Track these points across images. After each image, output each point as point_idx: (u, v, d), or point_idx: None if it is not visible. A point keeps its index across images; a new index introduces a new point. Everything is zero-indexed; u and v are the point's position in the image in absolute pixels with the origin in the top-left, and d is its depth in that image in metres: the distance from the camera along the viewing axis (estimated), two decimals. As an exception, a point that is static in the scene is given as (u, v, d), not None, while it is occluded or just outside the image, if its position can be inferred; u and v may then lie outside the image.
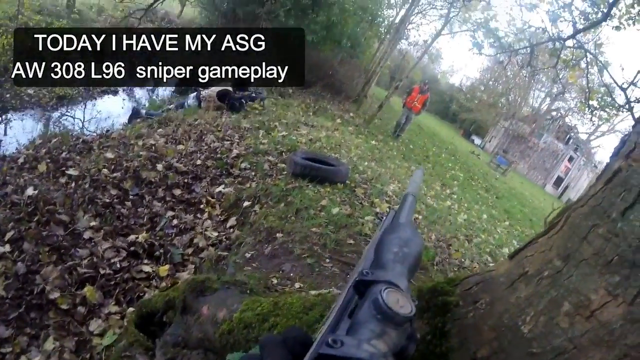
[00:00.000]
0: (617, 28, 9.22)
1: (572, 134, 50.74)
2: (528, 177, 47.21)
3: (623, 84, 7.30)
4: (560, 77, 11.45)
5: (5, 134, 9.12)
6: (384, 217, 1.15)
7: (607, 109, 10.23)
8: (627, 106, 7.75)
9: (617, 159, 1.18)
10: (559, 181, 50.38)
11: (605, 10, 8.49)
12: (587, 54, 9.73)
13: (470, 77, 71.78)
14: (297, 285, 3.37)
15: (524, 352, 1.10)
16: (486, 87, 56.85)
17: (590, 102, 10.18)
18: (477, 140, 56.03)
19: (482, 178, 17.90)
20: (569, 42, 9.90)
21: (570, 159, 50.85)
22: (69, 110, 11.29)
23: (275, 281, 3.32)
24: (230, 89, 9.65)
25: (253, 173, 6.13)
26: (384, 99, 16.66)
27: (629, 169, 1.10)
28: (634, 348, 0.94)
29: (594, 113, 10.47)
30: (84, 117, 10.88)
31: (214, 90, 9.71)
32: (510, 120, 48.26)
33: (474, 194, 12.88)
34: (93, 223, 4.62)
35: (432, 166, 13.85)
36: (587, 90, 10.37)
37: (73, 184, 5.19)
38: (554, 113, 50.74)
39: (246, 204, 5.28)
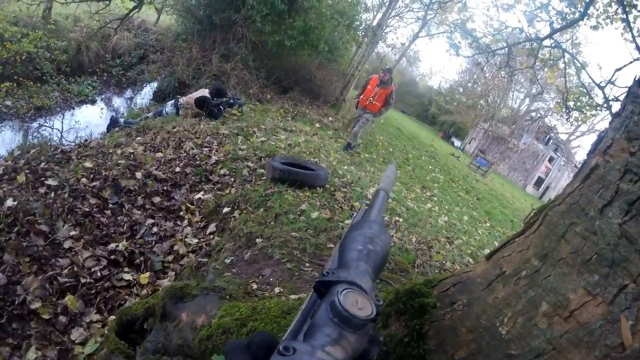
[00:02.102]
0: (595, 27, 9.26)
1: (552, 135, 50.91)
2: (509, 179, 47.29)
3: (601, 82, 7.36)
4: (539, 77, 11.50)
5: (-17, 146, 9.02)
6: (354, 215, 1.12)
7: (583, 110, 10.26)
8: (605, 105, 7.80)
9: (594, 156, 1.18)
10: (539, 182, 50.60)
11: (582, 10, 8.56)
12: (565, 53, 9.79)
13: (449, 79, 71.86)
14: (277, 289, 3.38)
15: (502, 354, 1.09)
16: (465, 89, 56.80)
17: (568, 103, 10.21)
18: (457, 142, 56.17)
19: (463, 180, 17.89)
20: (547, 42, 9.97)
21: (551, 160, 51.21)
22: (47, 120, 11.17)
23: (255, 286, 3.33)
24: (208, 95, 9.63)
25: (232, 179, 6.14)
26: (362, 102, 16.53)
27: (606, 166, 1.11)
28: (615, 349, 0.93)
29: (570, 114, 10.51)
30: (62, 127, 10.78)
31: (192, 97, 9.66)
32: (489, 122, 48.24)
33: (454, 196, 12.88)
34: (73, 232, 4.59)
35: (412, 169, 13.79)
36: (564, 91, 10.40)
37: (52, 194, 5.15)
38: (533, 114, 50.90)
39: (226, 210, 5.29)
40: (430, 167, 16.55)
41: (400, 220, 6.01)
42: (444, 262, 5.21)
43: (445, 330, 1.28)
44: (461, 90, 57.97)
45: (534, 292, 1.10)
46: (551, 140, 51.50)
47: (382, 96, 11.07)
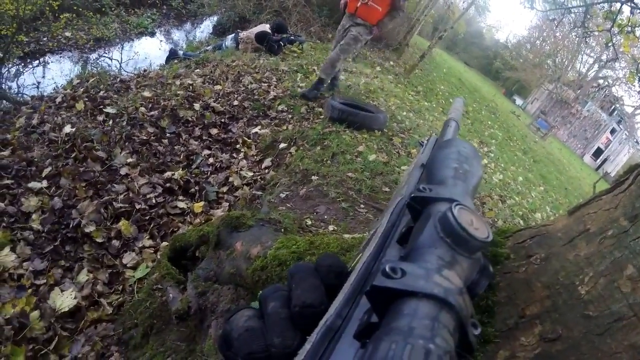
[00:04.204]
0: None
1: (618, 106, 48.55)
2: (567, 145, 45.96)
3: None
4: (613, 41, 10.96)
5: (43, 76, 9.22)
6: (425, 143, 1.02)
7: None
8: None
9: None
10: (598, 152, 48.81)
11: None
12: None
13: (517, 35, 69.83)
14: (331, 227, 3.35)
15: (578, 314, 1.03)
16: (533, 46, 54.92)
17: None
18: (519, 101, 54.74)
19: (521, 140, 17.50)
20: (627, 7, 9.44)
21: (613, 131, 49.22)
22: (106, 51, 11.35)
23: (309, 222, 3.29)
24: (268, 31, 9.55)
25: (290, 116, 6.10)
26: (427, 49, 15.98)
27: None
28: None
29: None
30: (121, 58, 10.91)
31: (253, 32, 9.59)
32: (554, 84, 46.72)
33: (511, 155, 12.57)
34: (130, 160, 4.66)
35: (472, 122, 13.49)
36: (639, 61, 9.87)
37: (110, 122, 5.22)
38: (600, 81, 48.83)
39: (282, 145, 5.26)
40: (489, 122, 16.16)
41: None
42: (496, 219, 5.17)
43: (518, 284, 1.22)
44: (529, 47, 56.07)
45: (620, 254, 1.02)
46: (616, 112, 49.23)
47: None
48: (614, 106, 48.69)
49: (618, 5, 9.36)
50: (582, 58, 48.89)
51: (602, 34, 11.46)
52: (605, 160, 47.37)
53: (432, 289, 0.40)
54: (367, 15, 6.28)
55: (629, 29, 9.44)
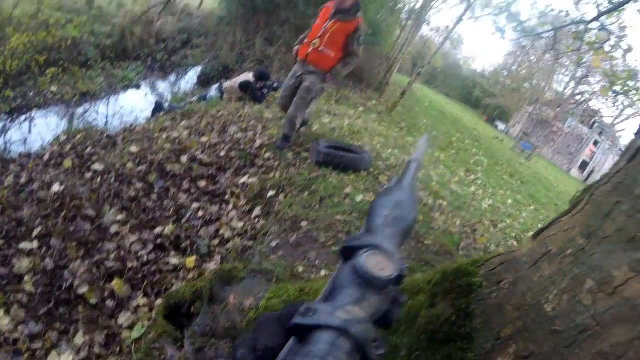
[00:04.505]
0: (641, 11, 9.08)
1: (597, 118, 50.63)
2: (553, 162, 47.17)
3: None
4: (584, 60, 11.33)
5: (29, 131, 9.20)
6: (385, 186, 1.12)
7: (629, 94, 10.09)
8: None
9: (641, 137, 1.21)
10: (584, 165, 50.17)
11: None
12: (611, 36, 9.56)
13: (493, 63, 71.37)
14: (322, 272, 3.38)
15: (547, 330, 1.11)
16: (509, 72, 56.50)
17: (614, 88, 10.04)
18: (501, 126, 55.59)
19: (507, 163, 17.77)
20: (593, 25, 9.72)
21: (595, 143, 50.65)
22: (92, 105, 11.35)
23: (301, 269, 3.33)
24: (251, 79, 9.66)
25: (276, 162, 6.14)
26: (406, 85, 16.23)
27: (652, 146, 1.14)
28: None
29: (616, 98, 10.47)
30: (107, 112, 10.91)
31: (236, 81, 9.72)
32: (534, 105, 48.00)
33: (498, 179, 12.78)
34: (119, 217, 4.65)
35: (456, 152, 13.69)
36: (610, 74, 10.20)
37: (98, 179, 5.21)
38: (578, 97, 50.33)
39: (270, 193, 5.29)
40: (473, 150, 16.42)
41: (444, 203, 5.97)
42: (488, 244, 5.23)
43: (491, 309, 1.33)
44: (505, 73, 57.53)
45: (579, 270, 1.12)
46: (595, 124, 51.16)
47: (337, 36, 5.83)
48: (593, 119, 50.63)
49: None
50: (557, 77, 50.58)
51: (574, 52, 11.82)
52: (592, 171, 48.38)
53: (333, 322, 0.51)
54: (319, 61, 6.00)
55: (598, 45, 9.75)
